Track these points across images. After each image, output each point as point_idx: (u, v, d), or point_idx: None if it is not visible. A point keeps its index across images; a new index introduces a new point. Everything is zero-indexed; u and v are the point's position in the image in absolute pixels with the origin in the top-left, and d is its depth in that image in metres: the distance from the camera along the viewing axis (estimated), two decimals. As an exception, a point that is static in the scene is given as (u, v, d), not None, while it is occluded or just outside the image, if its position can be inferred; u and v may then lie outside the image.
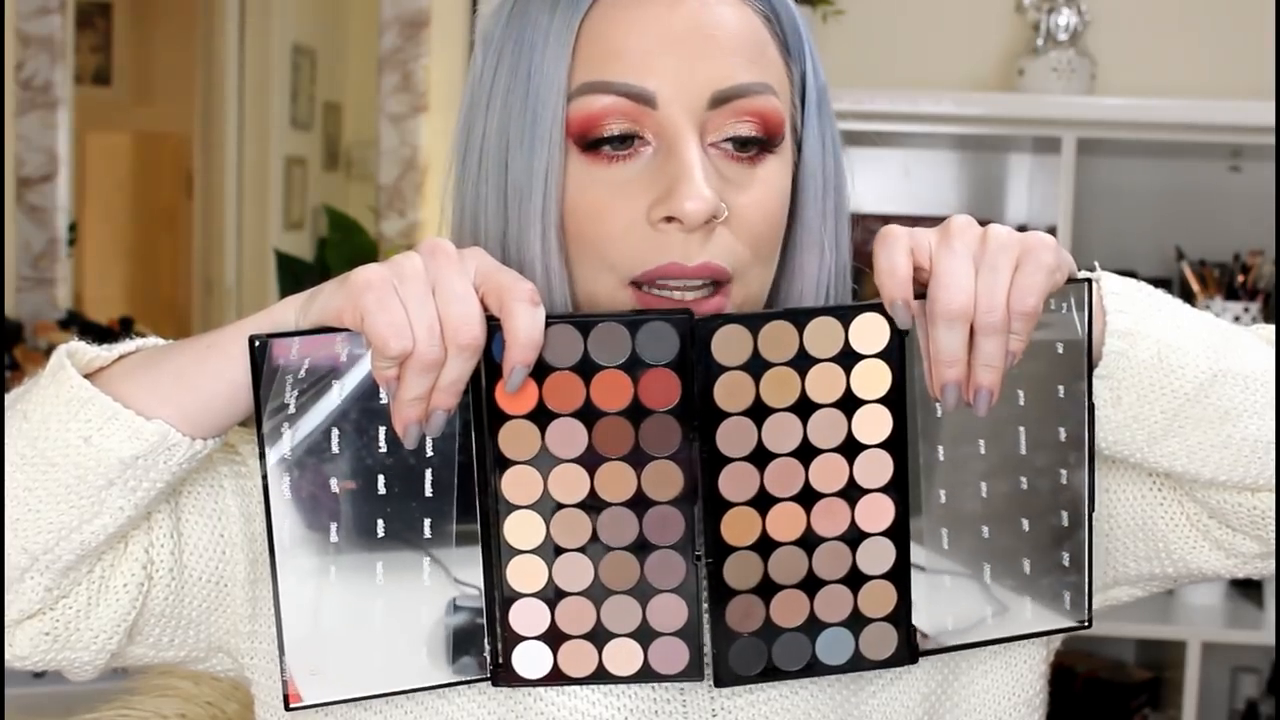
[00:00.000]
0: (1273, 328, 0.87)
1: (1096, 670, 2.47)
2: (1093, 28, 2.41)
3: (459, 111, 0.90)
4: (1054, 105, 2.31)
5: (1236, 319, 2.32)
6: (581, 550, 0.80)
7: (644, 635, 0.81)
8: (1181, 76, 2.47)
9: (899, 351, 0.79)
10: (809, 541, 0.81)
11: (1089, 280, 0.80)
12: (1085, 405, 0.81)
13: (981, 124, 2.35)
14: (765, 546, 0.81)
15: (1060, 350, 0.80)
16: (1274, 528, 0.86)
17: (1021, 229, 2.40)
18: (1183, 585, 0.98)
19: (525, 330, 0.74)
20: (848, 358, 0.79)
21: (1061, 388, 0.81)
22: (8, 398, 0.80)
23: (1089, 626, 0.86)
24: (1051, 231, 2.39)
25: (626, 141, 0.83)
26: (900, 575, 0.82)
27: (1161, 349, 0.81)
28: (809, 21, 2.35)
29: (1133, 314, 0.81)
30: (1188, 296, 2.38)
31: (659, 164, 0.82)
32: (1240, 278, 2.35)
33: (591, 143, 0.82)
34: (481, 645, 0.81)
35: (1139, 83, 2.46)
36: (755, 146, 0.84)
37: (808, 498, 0.81)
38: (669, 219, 0.81)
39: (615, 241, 0.82)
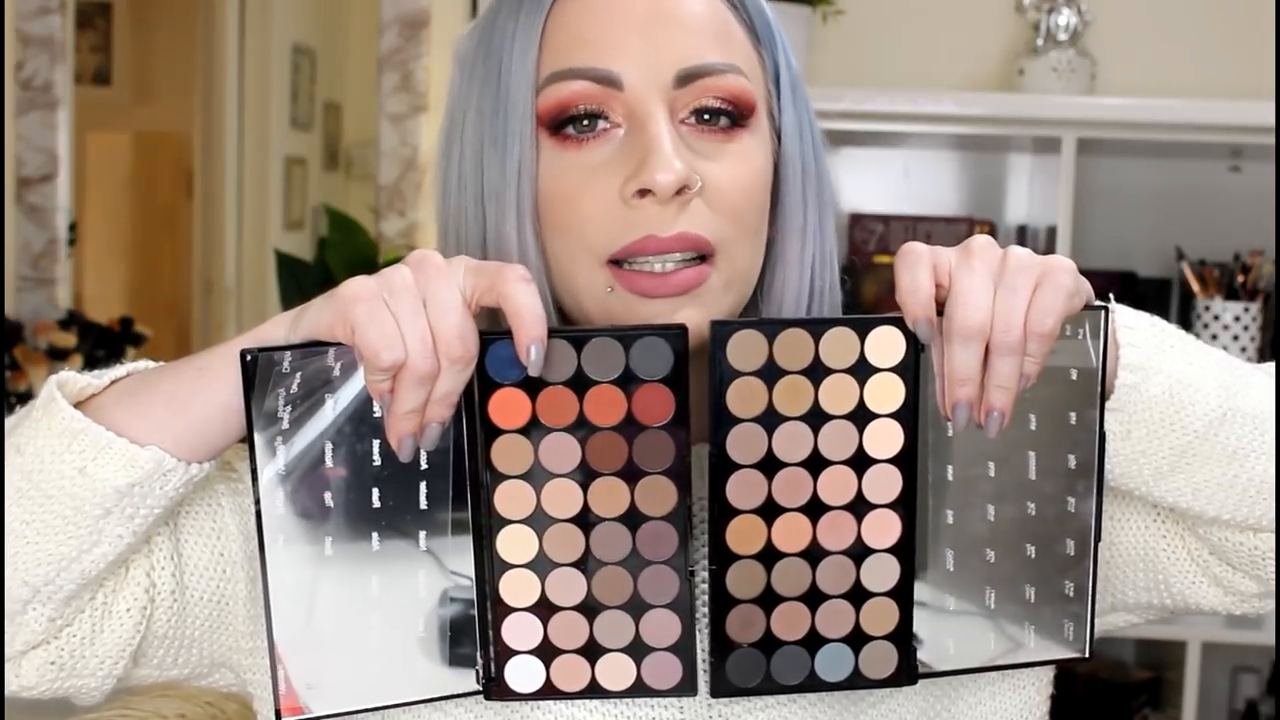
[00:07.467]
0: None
1: (1096, 670, 2.47)
2: (1093, 28, 2.40)
3: (439, 135, 0.90)
4: (1054, 105, 2.31)
5: (1236, 319, 2.32)
6: (574, 565, 0.80)
7: (637, 650, 0.81)
8: (1181, 76, 2.46)
9: (914, 367, 0.78)
10: (814, 554, 0.81)
11: (1105, 308, 0.79)
12: (1096, 434, 0.80)
13: (981, 124, 2.34)
14: (769, 556, 0.80)
15: (1074, 377, 0.79)
16: (1273, 568, 0.86)
17: (1020, 230, 2.37)
18: (1180, 617, 0.97)
19: (527, 307, 0.74)
20: (862, 370, 0.78)
21: (1073, 415, 0.80)
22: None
23: (1089, 659, 0.84)
24: (1051, 232, 2.38)
25: (592, 121, 0.83)
26: (904, 594, 0.82)
27: (1173, 385, 0.80)
28: (808, 21, 2.35)
29: (1145, 348, 0.80)
30: (1187, 296, 2.38)
31: (629, 144, 0.83)
32: (1240, 278, 2.35)
33: (559, 124, 0.83)
34: (475, 652, 0.81)
35: (1139, 83, 2.46)
36: (724, 119, 0.84)
37: (815, 509, 0.80)
38: (641, 193, 0.81)
39: (590, 223, 0.83)
